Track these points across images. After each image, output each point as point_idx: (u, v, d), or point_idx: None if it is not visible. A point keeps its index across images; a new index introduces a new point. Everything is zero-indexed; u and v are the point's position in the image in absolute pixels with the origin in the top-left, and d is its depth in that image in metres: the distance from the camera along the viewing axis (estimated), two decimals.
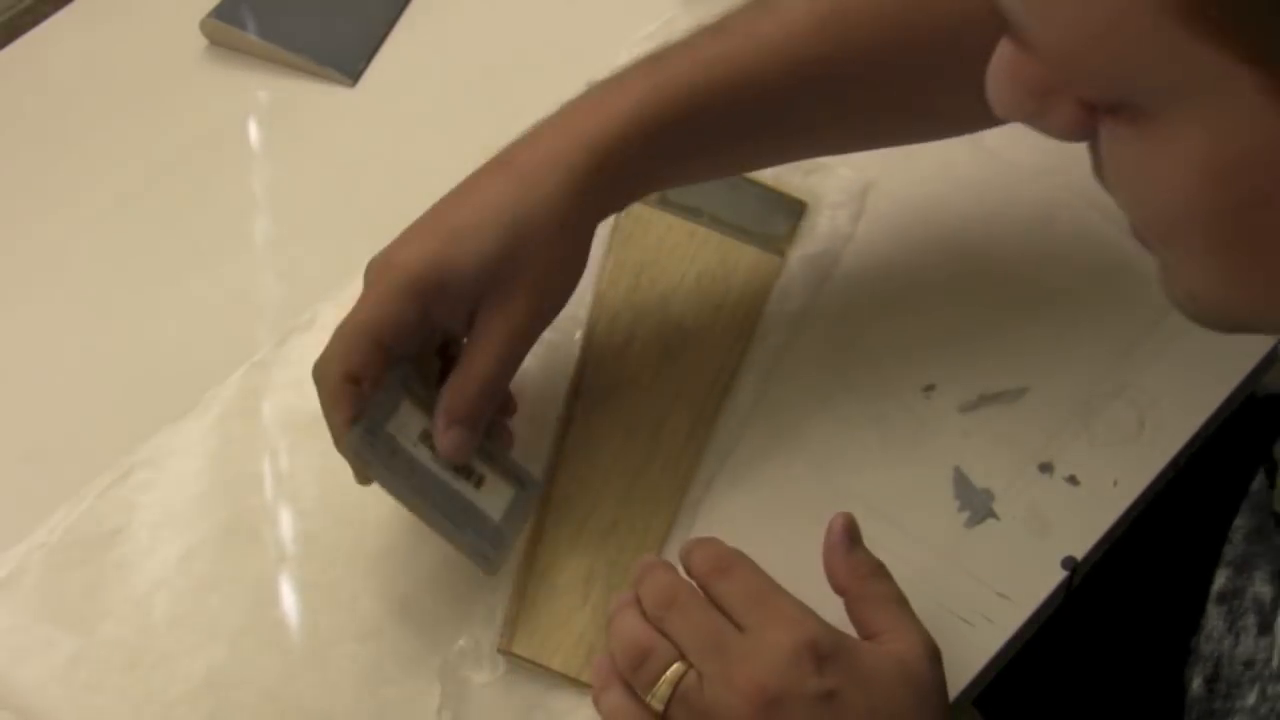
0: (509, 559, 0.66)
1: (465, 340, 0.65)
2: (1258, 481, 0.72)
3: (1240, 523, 0.72)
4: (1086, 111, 0.44)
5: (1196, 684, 0.69)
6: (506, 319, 0.64)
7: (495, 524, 0.65)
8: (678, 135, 0.65)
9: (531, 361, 0.73)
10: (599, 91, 0.66)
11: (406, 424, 0.64)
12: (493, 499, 0.66)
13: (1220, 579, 0.71)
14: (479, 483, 0.66)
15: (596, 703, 0.61)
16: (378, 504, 0.69)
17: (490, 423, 0.67)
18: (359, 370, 0.62)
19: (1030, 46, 0.43)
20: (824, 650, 0.58)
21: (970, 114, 0.68)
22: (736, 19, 0.67)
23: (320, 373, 0.63)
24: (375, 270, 0.64)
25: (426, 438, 0.65)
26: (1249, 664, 0.66)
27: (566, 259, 0.66)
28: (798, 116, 0.68)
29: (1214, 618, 0.70)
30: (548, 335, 0.73)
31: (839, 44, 0.67)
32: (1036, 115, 0.46)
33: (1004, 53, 0.46)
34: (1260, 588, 0.68)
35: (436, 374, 0.67)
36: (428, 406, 0.65)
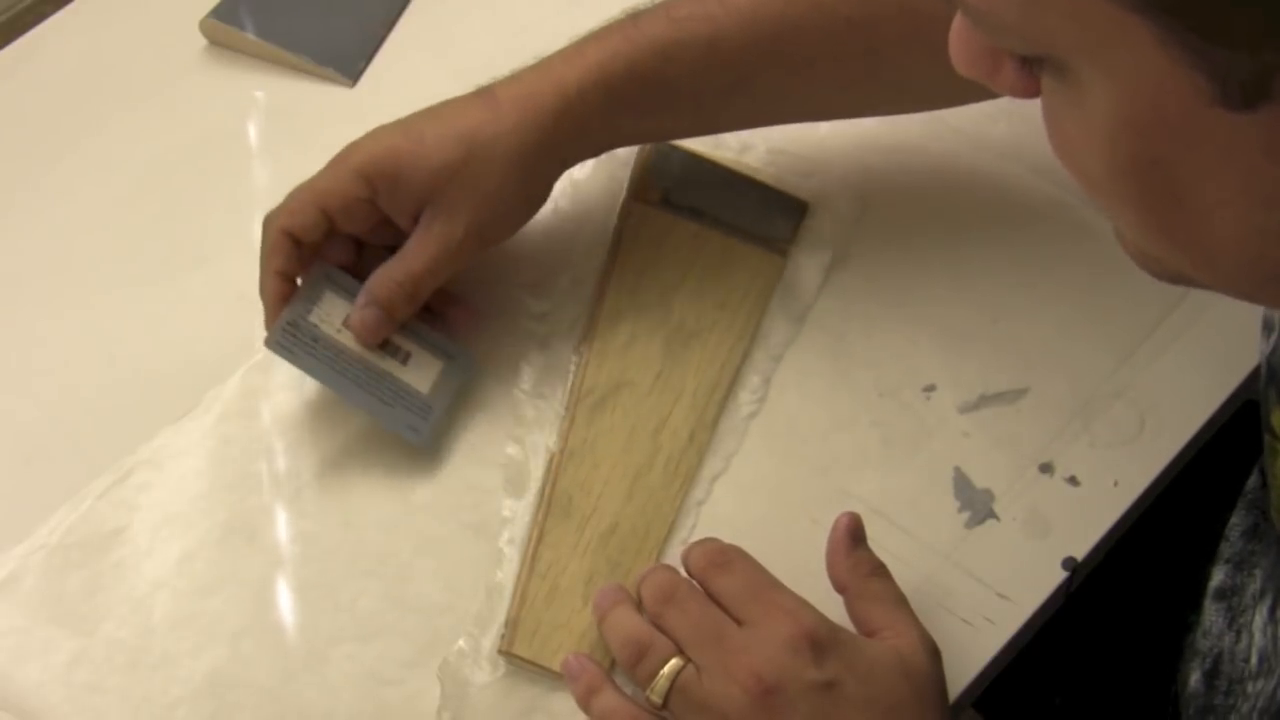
0: (440, 430, 0.71)
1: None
2: (1253, 480, 0.72)
3: (1236, 521, 0.72)
4: (1027, 69, 0.45)
5: (1194, 679, 0.69)
6: (446, 226, 0.68)
7: (423, 397, 0.70)
8: (644, 90, 0.69)
9: (532, 362, 0.73)
10: (581, 41, 0.70)
11: (329, 313, 0.70)
12: (419, 373, 0.70)
13: (1218, 576, 0.71)
14: (405, 359, 0.70)
15: (586, 707, 0.61)
16: (378, 504, 0.70)
17: (442, 308, 0.72)
18: (299, 231, 0.68)
19: (960, 4, 0.44)
20: (822, 641, 0.58)
21: (942, 89, 0.69)
22: None
23: (265, 223, 0.69)
24: (341, 151, 0.69)
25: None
26: (1248, 660, 0.66)
27: (517, 191, 0.70)
28: (764, 82, 0.70)
29: (1211, 614, 0.70)
30: (548, 336, 0.74)
31: (809, 13, 0.68)
32: (989, 74, 0.46)
33: (958, 14, 0.47)
34: (1259, 585, 0.68)
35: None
36: (353, 295, 0.70)
